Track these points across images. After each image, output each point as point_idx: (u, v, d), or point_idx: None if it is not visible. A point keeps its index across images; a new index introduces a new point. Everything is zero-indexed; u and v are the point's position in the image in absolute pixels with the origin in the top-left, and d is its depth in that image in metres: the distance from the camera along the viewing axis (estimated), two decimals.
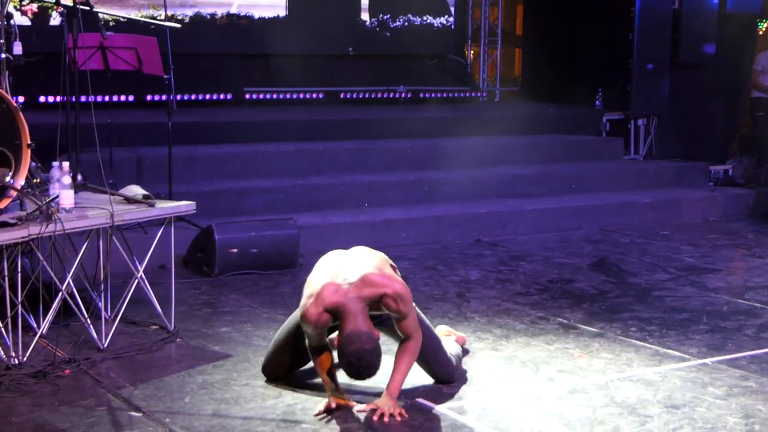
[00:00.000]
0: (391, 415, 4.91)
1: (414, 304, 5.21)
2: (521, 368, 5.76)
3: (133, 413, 4.92)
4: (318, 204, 9.41)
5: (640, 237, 9.68)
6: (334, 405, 4.99)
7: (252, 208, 9.02)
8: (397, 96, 13.06)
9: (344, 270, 5.10)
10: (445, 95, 13.52)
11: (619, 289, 7.69)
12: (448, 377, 5.48)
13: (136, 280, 6.12)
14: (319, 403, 5.02)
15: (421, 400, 5.17)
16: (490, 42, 14.69)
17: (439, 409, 5.06)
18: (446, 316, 6.82)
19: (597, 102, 12.71)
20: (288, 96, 12.39)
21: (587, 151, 12.07)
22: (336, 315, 4.94)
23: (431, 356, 5.40)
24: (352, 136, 10.89)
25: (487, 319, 6.78)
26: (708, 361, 5.96)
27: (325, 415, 4.94)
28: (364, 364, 4.80)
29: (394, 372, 5.09)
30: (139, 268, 6.12)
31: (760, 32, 14.37)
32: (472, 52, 14.84)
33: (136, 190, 6.36)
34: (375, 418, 4.90)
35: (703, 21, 12.74)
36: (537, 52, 13.95)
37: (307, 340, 5.13)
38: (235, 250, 7.85)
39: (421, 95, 13.27)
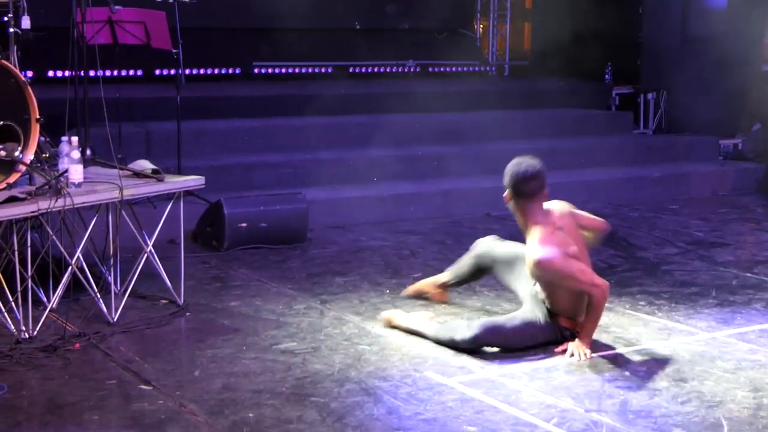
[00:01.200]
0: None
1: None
2: None
3: (143, 386, 4.93)
4: (327, 178, 9.38)
5: (649, 211, 9.65)
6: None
7: (261, 183, 9.01)
8: (406, 70, 13.02)
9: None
10: (454, 69, 13.48)
11: (628, 263, 7.68)
12: None
13: (146, 255, 6.13)
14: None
15: (429, 374, 5.17)
16: (500, 16, 14.64)
17: (448, 382, 5.07)
18: (455, 290, 6.81)
19: (606, 76, 12.65)
20: (296, 70, 12.38)
21: (596, 126, 12.03)
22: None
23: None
24: (361, 111, 10.86)
25: (496, 293, 6.77)
26: (717, 335, 5.95)
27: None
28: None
29: (584, 322, 5.57)
30: (149, 242, 6.13)
31: None
32: (481, 26, 14.78)
33: (145, 165, 6.37)
34: (568, 356, 5.45)
35: None
36: (546, 26, 13.87)
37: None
38: (244, 225, 7.85)
39: (431, 69, 13.23)
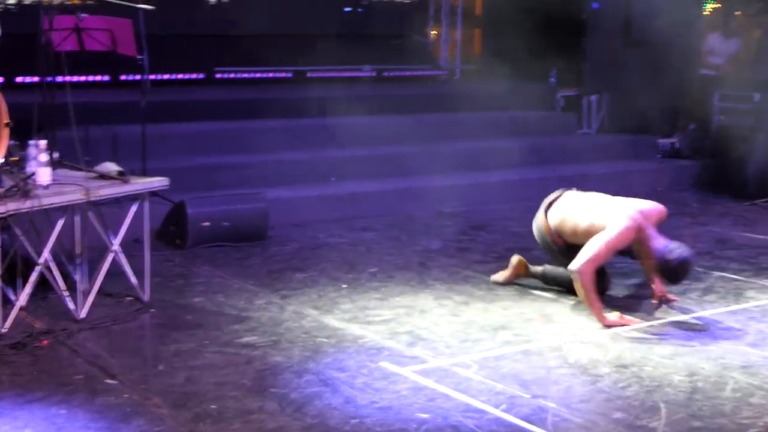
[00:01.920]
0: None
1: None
2: (480, 332, 5.78)
3: (109, 381, 4.89)
4: (287, 178, 9.36)
5: None
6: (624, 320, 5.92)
7: (224, 184, 8.94)
8: (362, 75, 13.00)
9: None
10: (408, 74, 13.47)
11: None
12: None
13: (112, 254, 6.08)
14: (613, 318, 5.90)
15: (384, 364, 5.17)
16: (451, 23, 14.64)
17: (402, 372, 5.07)
18: (408, 284, 6.83)
19: (552, 79, 12.69)
20: (257, 75, 12.31)
21: (543, 126, 12.08)
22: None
23: None
24: (319, 114, 10.82)
25: (447, 286, 6.79)
26: (655, 323, 6.00)
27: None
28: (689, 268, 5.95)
29: (648, 264, 6.22)
30: (115, 242, 6.08)
31: (706, 12, 14.41)
32: (434, 32, 14.79)
33: (111, 167, 6.31)
34: (655, 301, 6.27)
35: (653, 1, 12.74)
36: (495, 32, 13.89)
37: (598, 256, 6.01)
38: (207, 224, 7.81)
39: (385, 74, 13.21)
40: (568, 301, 6.43)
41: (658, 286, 6.37)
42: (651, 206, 6.34)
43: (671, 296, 6.41)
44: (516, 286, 6.79)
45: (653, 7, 12.63)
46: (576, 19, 12.52)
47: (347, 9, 13.36)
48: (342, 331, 5.75)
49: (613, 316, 5.96)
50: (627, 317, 5.98)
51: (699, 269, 7.26)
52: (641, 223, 6.08)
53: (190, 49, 11.95)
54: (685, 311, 6.24)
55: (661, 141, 12.27)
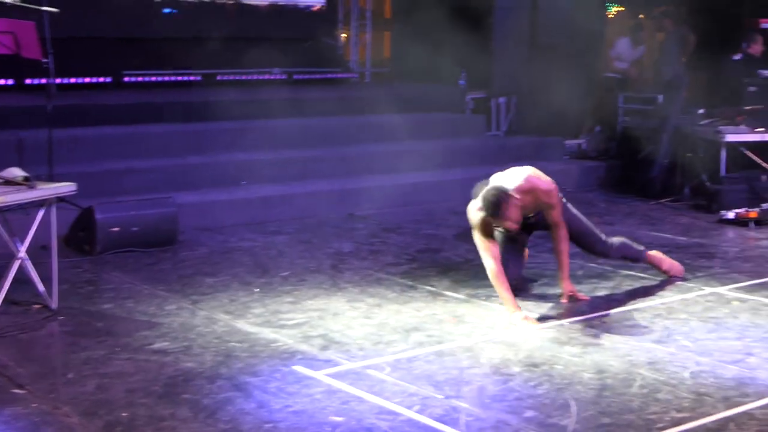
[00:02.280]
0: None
1: (562, 200, 6.57)
2: (393, 334, 5.79)
3: (17, 390, 4.79)
4: (197, 182, 9.29)
5: None
6: (525, 317, 6.03)
7: (133, 188, 8.84)
8: (272, 78, 12.95)
9: (504, 178, 6.44)
10: (318, 76, 13.47)
11: None
12: (603, 251, 6.90)
13: (18, 261, 5.96)
14: (517, 318, 6.02)
15: (297, 368, 5.16)
16: (361, 26, 14.68)
17: (316, 375, 5.06)
18: (321, 287, 6.82)
19: (461, 81, 12.80)
20: (166, 78, 12.18)
21: (452, 128, 12.17)
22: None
23: (583, 239, 6.78)
24: (229, 117, 10.74)
25: (360, 288, 6.80)
26: (564, 322, 6.08)
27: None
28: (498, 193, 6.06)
29: (559, 261, 6.51)
30: (21, 249, 5.96)
31: (610, 15, 14.68)
32: (343, 35, 14.81)
33: (16, 173, 6.18)
34: (565, 300, 6.45)
35: (559, 4, 12.93)
36: (405, 35, 13.97)
37: (482, 250, 6.29)
38: (116, 229, 7.71)
39: (296, 77, 13.19)
40: (479, 302, 6.49)
41: (567, 285, 6.48)
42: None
43: (581, 295, 6.52)
44: (428, 288, 6.83)
45: (559, 10, 12.83)
46: (484, 21, 12.64)
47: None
48: (254, 336, 5.72)
49: (516, 316, 6.06)
50: (531, 317, 6.09)
51: (607, 268, 7.40)
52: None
53: (97, 52, 11.78)
54: (593, 309, 6.34)
55: (568, 142, 12.46)
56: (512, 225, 6.17)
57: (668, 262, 7.18)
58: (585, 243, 6.88)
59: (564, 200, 6.70)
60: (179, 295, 6.57)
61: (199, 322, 5.97)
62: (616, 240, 6.99)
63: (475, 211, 6.26)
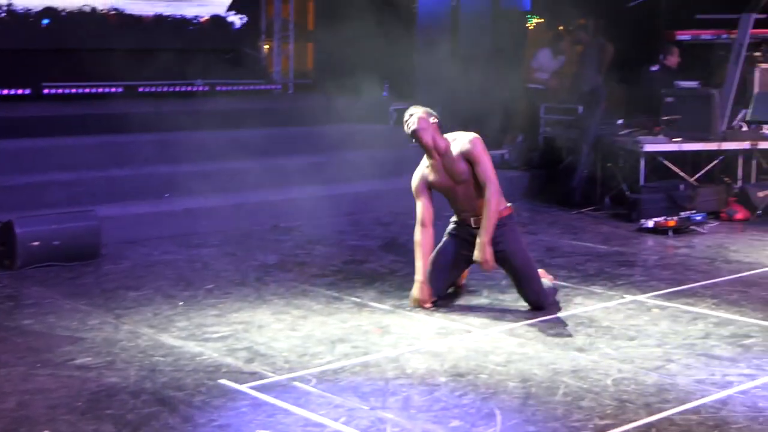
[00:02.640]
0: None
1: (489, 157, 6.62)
2: (318, 346, 5.79)
3: None
4: (119, 195, 9.20)
5: None
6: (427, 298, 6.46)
7: (53, 202, 8.72)
8: (194, 89, 12.87)
9: None
10: (241, 88, 13.41)
11: (409, 268, 7.76)
12: (537, 301, 6.55)
13: None
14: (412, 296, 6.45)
15: (223, 381, 5.12)
16: (283, 37, 14.65)
17: (241, 388, 5.03)
18: (246, 299, 6.79)
19: (384, 92, 12.84)
20: (87, 90, 12.04)
21: (376, 139, 12.17)
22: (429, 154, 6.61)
23: (530, 284, 6.52)
24: (152, 129, 10.66)
25: (285, 300, 6.79)
26: (489, 331, 6.12)
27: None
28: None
29: (484, 221, 6.40)
30: None
31: (531, 26, 14.85)
32: (266, 46, 14.76)
33: None
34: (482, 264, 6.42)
35: (479, 16, 13.05)
36: (328, 46, 13.97)
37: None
38: (36, 243, 7.59)
39: (218, 88, 13.11)
40: (405, 312, 6.51)
41: (487, 249, 6.43)
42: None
43: (492, 264, 6.47)
44: (354, 299, 6.84)
45: (480, 21, 12.95)
46: (407, 33, 12.70)
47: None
48: (179, 349, 5.67)
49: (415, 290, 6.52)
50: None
51: None
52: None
53: (16, 63, 11.60)
54: (517, 319, 6.40)
55: (491, 152, 12.53)
56: (426, 137, 6.54)
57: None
58: (525, 286, 6.59)
59: (514, 223, 6.71)
60: (102, 309, 6.49)
61: (122, 336, 5.90)
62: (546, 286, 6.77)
63: (414, 176, 6.71)
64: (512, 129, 13.18)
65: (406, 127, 6.61)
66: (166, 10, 13.06)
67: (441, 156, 6.58)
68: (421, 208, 6.65)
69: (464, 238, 6.62)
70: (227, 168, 10.11)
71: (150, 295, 6.89)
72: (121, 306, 6.58)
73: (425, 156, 6.69)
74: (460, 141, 6.61)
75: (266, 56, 14.71)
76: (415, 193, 6.75)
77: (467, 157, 6.52)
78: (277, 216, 9.57)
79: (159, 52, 12.49)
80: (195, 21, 13.30)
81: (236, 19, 13.73)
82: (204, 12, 13.41)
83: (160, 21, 12.98)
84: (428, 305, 6.54)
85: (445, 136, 6.68)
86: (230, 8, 13.64)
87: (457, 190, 6.64)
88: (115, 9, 12.51)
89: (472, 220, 6.62)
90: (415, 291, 6.59)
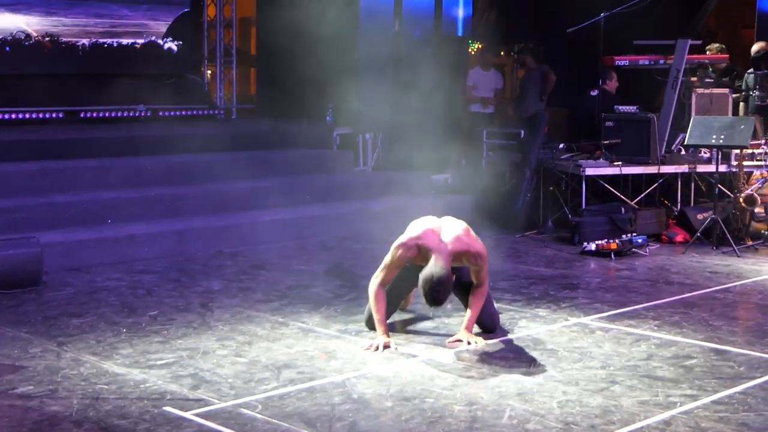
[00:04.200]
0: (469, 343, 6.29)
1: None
2: (264, 372, 5.75)
3: None
4: (61, 222, 9.09)
5: (371, 243, 9.81)
6: (385, 343, 6.18)
7: None
8: (137, 115, 12.78)
9: (441, 228, 6.43)
10: (184, 113, 13.35)
11: (354, 293, 7.79)
12: (492, 326, 6.66)
13: None
14: (372, 341, 6.23)
15: (168, 409, 5.06)
16: (226, 62, 14.62)
17: (186, 415, 4.98)
18: (191, 326, 6.73)
19: (328, 118, 12.85)
20: (27, 116, 11.90)
21: (320, 164, 12.19)
22: (425, 255, 6.23)
23: (486, 307, 6.56)
24: (94, 155, 10.58)
25: (230, 326, 6.74)
26: (435, 355, 6.12)
27: (374, 349, 6.13)
28: (443, 290, 5.96)
29: (470, 311, 6.43)
30: None
31: (472, 51, 14.96)
32: (209, 71, 14.72)
33: None
34: (460, 345, 6.29)
35: (421, 42, 13.13)
36: (271, 72, 13.98)
37: (380, 272, 6.41)
38: None
39: (161, 113, 13.04)
40: (350, 337, 6.50)
41: (467, 333, 6.38)
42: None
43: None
44: (299, 324, 6.81)
45: (422, 47, 13.03)
46: (349, 58, 12.73)
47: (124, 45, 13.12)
48: (123, 377, 5.60)
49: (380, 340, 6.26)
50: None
51: None
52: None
53: None
54: (463, 342, 6.40)
55: (435, 177, 12.61)
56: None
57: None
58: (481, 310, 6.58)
59: None
60: (44, 337, 6.39)
61: (64, 364, 5.82)
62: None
63: (403, 247, 6.37)
64: (455, 153, 13.24)
65: (427, 301, 6.09)
66: (107, 36, 12.98)
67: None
68: (389, 273, 6.43)
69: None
70: (170, 193, 10.05)
71: (93, 322, 6.81)
72: (63, 333, 6.49)
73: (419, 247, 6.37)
74: (466, 256, 6.36)
75: (209, 82, 14.66)
76: (394, 258, 6.39)
77: (471, 267, 6.44)
78: (221, 241, 9.51)
79: (101, 78, 12.41)
80: (136, 46, 13.24)
81: (177, 46, 13.67)
82: (146, 38, 13.35)
83: (99, 47, 12.89)
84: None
85: (434, 223, 6.54)
86: (172, 34, 13.59)
87: None
88: (50, 35, 12.40)
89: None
90: (380, 341, 6.24)
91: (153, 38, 13.41)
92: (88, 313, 7.04)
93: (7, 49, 11.97)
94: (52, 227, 8.89)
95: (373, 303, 6.41)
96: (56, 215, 9.14)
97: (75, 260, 8.57)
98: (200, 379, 5.58)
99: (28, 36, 12.22)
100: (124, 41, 13.14)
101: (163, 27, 13.56)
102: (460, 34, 14.67)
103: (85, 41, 12.75)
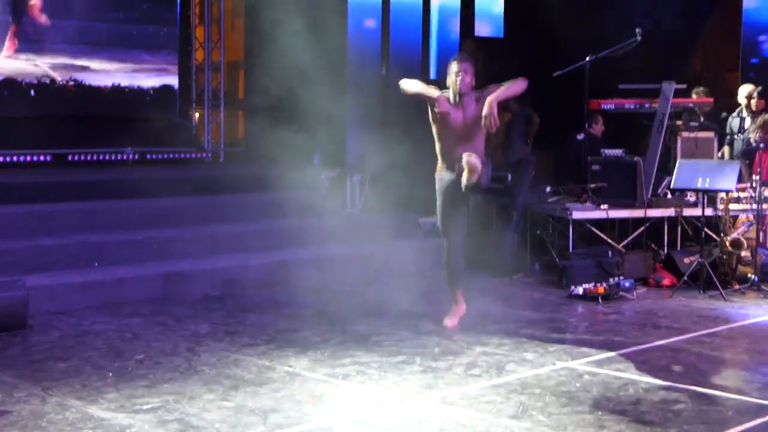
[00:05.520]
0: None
1: None
2: (250, 416, 5.71)
3: None
4: (48, 265, 9.05)
5: (359, 286, 9.80)
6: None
7: None
8: (125, 158, 12.78)
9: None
10: (172, 156, 13.36)
11: (341, 336, 7.77)
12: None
13: None
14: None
15: None
16: (214, 105, 14.65)
17: None
18: (177, 369, 6.69)
19: (315, 161, 12.87)
20: (15, 159, 11.89)
21: (308, 207, 12.16)
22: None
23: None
24: (81, 198, 10.56)
25: (216, 370, 6.70)
26: (422, 400, 6.10)
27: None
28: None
29: (500, 90, 7.71)
30: None
31: None
32: (197, 114, 14.75)
33: None
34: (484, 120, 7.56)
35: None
36: (258, 115, 13.99)
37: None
38: None
39: (149, 156, 13.05)
40: (338, 382, 6.46)
41: (492, 105, 7.61)
42: None
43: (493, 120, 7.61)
44: (286, 368, 6.78)
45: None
46: (337, 101, 12.78)
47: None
48: (108, 422, 5.56)
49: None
50: None
51: (463, 344, 7.48)
52: None
53: None
54: (449, 386, 6.38)
55: (423, 220, 12.60)
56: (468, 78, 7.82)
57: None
58: None
59: None
60: (29, 381, 6.35)
61: (50, 409, 5.77)
62: None
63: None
64: None
65: (459, 57, 7.93)
66: (92, 78, 13.01)
67: (461, 96, 7.80)
68: (424, 88, 7.93)
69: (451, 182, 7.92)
70: (157, 236, 10.03)
71: (79, 366, 6.76)
72: (49, 377, 6.44)
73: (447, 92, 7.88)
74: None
75: (197, 125, 14.69)
76: (429, 89, 7.91)
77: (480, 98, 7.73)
78: (208, 285, 9.48)
79: (87, 121, 12.43)
80: (126, 90, 13.27)
81: (166, 89, 13.71)
82: (134, 82, 13.39)
83: (86, 89, 12.91)
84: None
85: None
86: (162, 77, 13.64)
87: (460, 129, 7.84)
88: (38, 78, 12.43)
89: (457, 165, 7.68)
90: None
91: (139, 84, 13.44)
92: (74, 357, 6.99)
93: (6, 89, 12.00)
94: (39, 270, 8.84)
95: (415, 85, 7.98)
96: (43, 258, 9.10)
97: (61, 303, 8.53)
98: (186, 424, 5.54)
99: (15, 80, 12.24)
100: (110, 84, 13.17)
101: (149, 72, 13.60)
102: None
103: (73, 84, 12.77)
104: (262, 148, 13.54)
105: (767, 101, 11.81)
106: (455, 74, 7.80)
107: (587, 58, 11.14)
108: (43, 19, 12.37)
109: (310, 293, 9.55)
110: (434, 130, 8.02)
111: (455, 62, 7.85)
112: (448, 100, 7.86)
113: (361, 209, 12.96)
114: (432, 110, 7.91)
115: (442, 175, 8.12)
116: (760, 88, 11.73)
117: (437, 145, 8.07)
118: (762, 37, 14.07)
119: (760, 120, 11.28)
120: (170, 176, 11.93)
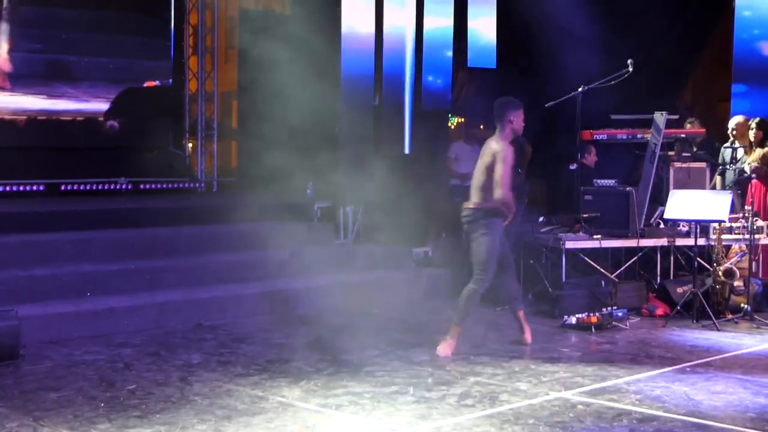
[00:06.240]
0: None
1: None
2: None
3: None
4: (41, 294, 9.04)
5: (351, 316, 9.79)
6: None
7: None
8: (118, 188, 12.80)
9: None
10: (164, 186, 13.37)
11: (333, 366, 7.76)
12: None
13: None
14: None
15: None
16: (207, 135, 14.69)
17: None
18: (169, 400, 6.67)
19: (308, 191, 12.88)
20: (7, 188, 11.90)
21: (301, 237, 12.18)
22: None
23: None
24: (74, 228, 10.56)
25: (209, 401, 6.68)
26: (416, 430, 6.08)
27: None
28: None
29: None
30: None
31: (452, 126, 15.07)
32: (190, 144, 14.78)
33: None
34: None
35: (401, 116, 13.24)
36: (252, 145, 14.03)
37: None
38: None
39: (142, 186, 13.07)
40: (331, 412, 6.45)
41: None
42: None
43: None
44: (279, 399, 6.76)
45: (401, 121, 13.14)
46: (330, 131, 12.82)
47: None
48: None
49: None
50: None
51: (456, 374, 7.47)
52: None
53: None
54: (443, 417, 6.37)
55: (415, 250, 12.62)
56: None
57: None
58: None
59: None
60: (21, 411, 6.33)
61: None
62: None
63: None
64: (435, 227, 13.27)
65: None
66: (83, 105, 13.04)
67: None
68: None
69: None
70: (150, 266, 10.02)
71: (71, 396, 6.74)
72: (40, 408, 6.42)
73: None
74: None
75: (190, 155, 14.72)
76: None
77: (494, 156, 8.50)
78: (201, 315, 9.47)
79: (80, 151, 12.45)
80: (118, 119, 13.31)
81: (160, 118, 13.76)
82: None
83: (76, 120, 12.94)
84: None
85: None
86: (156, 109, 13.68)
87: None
88: (26, 111, 12.46)
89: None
90: None
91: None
92: (66, 387, 6.97)
93: None
94: (31, 300, 8.83)
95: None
96: (35, 288, 9.09)
97: (54, 333, 8.52)
98: None
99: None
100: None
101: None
102: (439, 107, 14.78)
103: (65, 115, 12.81)
104: (255, 178, 13.59)
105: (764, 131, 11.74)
106: (523, 120, 8.66)
107: (580, 89, 11.19)
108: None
109: (302, 323, 9.54)
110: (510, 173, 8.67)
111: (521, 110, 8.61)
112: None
113: (353, 239, 12.96)
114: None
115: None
116: (758, 119, 11.74)
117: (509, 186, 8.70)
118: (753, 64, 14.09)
119: (760, 152, 11.30)
120: (163, 206, 11.94)
